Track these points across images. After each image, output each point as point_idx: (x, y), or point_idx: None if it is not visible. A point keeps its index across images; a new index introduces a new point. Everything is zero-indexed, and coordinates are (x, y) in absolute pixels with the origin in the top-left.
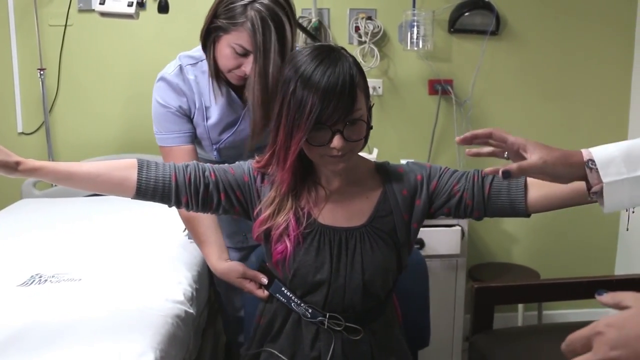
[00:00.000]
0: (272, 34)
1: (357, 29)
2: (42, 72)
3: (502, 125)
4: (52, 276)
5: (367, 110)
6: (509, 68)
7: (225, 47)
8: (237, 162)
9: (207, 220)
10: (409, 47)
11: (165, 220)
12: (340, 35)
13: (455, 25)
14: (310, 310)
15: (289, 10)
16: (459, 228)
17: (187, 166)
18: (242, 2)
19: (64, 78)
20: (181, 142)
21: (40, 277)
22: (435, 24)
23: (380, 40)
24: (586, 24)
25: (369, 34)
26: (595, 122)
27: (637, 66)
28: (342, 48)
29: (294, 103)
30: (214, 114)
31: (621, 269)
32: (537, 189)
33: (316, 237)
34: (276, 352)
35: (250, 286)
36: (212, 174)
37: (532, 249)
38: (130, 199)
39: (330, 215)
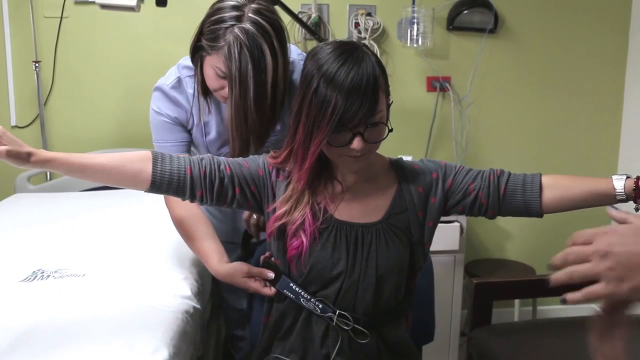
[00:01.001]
0: (249, 62)
1: (356, 25)
2: (37, 65)
3: (499, 122)
4: (55, 271)
5: (386, 108)
6: (507, 65)
7: (209, 68)
8: (251, 156)
9: (204, 226)
10: (408, 44)
11: (164, 214)
12: (339, 31)
13: (454, 23)
14: (320, 306)
15: (273, 35)
16: (458, 224)
17: (202, 159)
18: (224, 25)
19: (59, 71)
20: (176, 151)
21: (43, 272)
22: (434, 22)
23: (380, 36)
24: (582, 22)
25: (369, 30)
26: (590, 118)
27: (631, 63)
28: (364, 45)
29: (315, 102)
30: (213, 130)
31: None
32: (552, 190)
33: (332, 232)
34: (282, 357)
35: (255, 285)
36: (227, 167)
37: (526, 245)
38: (143, 191)
39: (347, 211)
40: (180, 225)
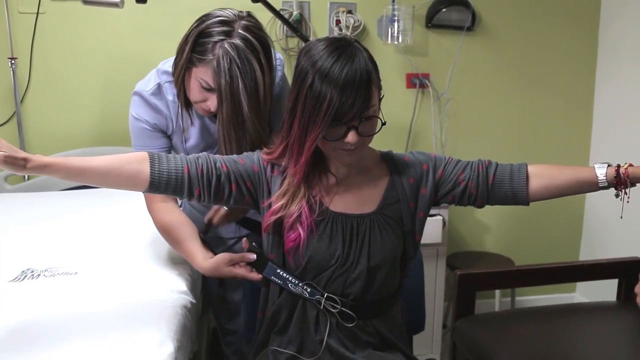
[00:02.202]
0: (239, 78)
1: (337, 22)
2: (13, 62)
3: (477, 117)
4: (45, 270)
5: (378, 101)
6: (484, 62)
7: (193, 80)
8: (245, 153)
9: (187, 229)
10: (389, 41)
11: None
12: (320, 28)
13: (433, 21)
14: (309, 289)
15: (261, 52)
16: (441, 217)
17: (198, 158)
18: (213, 39)
19: (36, 68)
20: None
21: (32, 271)
22: (413, 19)
23: (360, 34)
24: (555, 21)
25: (350, 28)
26: (563, 113)
27: (600, 61)
28: (356, 41)
29: (310, 97)
30: (193, 136)
31: (585, 255)
32: (538, 179)
33: (328, 224)
34: (280, 349)
35: (241, 271)
36: (224, 165)
37: (504, 237)
38: (142, 192)
39: (342, 202)
40: (165, 231)
